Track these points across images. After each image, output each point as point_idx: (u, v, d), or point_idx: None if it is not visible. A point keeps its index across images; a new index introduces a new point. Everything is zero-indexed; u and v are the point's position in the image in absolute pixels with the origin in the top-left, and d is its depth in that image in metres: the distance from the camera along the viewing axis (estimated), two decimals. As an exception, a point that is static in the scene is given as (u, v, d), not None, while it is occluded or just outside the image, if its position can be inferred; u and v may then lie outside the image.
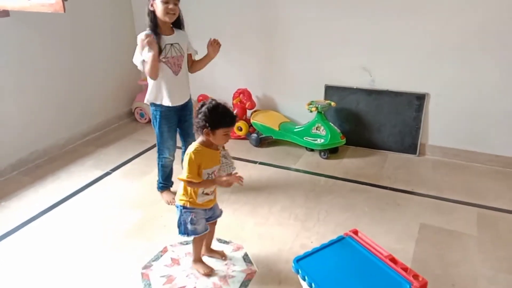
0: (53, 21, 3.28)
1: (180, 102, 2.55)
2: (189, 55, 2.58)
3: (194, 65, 2.62)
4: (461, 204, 2.73)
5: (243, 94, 3.68)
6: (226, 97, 3.88)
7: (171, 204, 2.73)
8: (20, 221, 2.61)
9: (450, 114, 3.25)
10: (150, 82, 2.48)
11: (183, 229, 2.02)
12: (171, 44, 2.41)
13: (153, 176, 2.93)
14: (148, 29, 2.37)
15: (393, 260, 1.72)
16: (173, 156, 2.75)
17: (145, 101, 2.56)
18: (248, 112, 3.79)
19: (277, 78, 3.74)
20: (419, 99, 3.29)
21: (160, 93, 2.48)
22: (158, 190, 2.85)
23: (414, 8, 3.08)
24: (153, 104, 2.55)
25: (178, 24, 2.48)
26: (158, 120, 2.56)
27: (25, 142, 3.26)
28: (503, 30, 2.90)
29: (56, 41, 3.39)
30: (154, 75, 2.41)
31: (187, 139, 2.68)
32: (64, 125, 3.57)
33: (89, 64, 3.72)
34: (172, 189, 2.85)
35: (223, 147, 2.01)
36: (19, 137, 3.21)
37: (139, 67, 2.43)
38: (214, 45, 2.52)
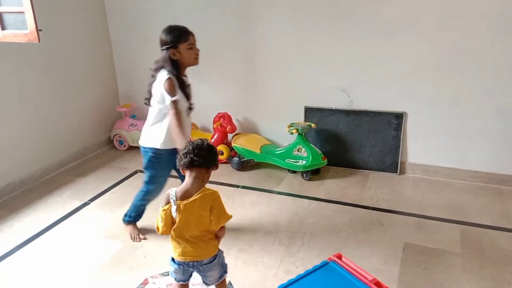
0: (28, 50, 3.23)
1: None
2: None
3: None
4: (444, 221, 2.74)
5: (224, 118, 3.66)
6: (206, 121, 3.88)
7: (136, 241, 2.61)
8: (-5, 257, 2.51)
9: (429, 132, 3.29)
10: (164, 127, 2.30)
11: (225, 269, 1.94)
12: (188, 85, 2.36)
13: (133, 204, 2.87)
14: (171, 75, 2.22)
15: (378, 284, 1.69)
16: None
17: (160, 147, 2.33)
18: (229, 136, 3.77)
19: (257, 101, 3.75)
20: (398, 118, 3.33)
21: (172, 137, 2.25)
22: (124, 222, 2.68)
23: (390, 30, 3.14)
24: (160, 149, 2.34)
25: None
26: (162, 164, 2.39)
27: (1, 173, 3.16)
28: (477, 50, 2.98)
29: (31, 70, 3.33)
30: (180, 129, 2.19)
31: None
32: (40, 155, 3.48)
33: (66, 92, 3.66)
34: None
35: None
36: (-6, 169, 3.12)
37: (172, 104, 2.18)
38: None
